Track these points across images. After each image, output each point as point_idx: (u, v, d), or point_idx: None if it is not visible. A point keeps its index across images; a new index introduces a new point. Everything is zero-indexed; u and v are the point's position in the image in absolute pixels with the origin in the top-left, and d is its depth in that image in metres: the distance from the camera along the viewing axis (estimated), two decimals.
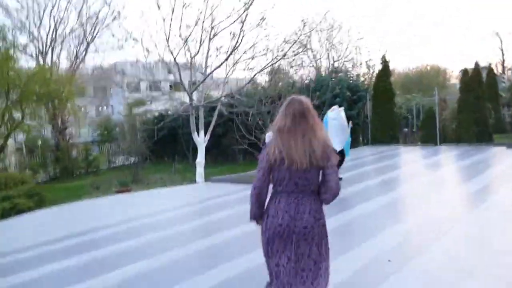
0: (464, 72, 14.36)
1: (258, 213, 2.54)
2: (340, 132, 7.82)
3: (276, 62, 11.45)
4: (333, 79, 16.34)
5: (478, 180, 7.93)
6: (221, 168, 18.08)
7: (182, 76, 13.01)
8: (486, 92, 14.49)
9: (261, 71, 11.23)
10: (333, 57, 24.65)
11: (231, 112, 15.48)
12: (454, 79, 37.24)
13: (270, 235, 2.43)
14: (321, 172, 2.42)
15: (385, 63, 16.17)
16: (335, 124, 7.83)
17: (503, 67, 49.59)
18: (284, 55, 11.33)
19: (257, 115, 16.52)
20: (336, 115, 8.00)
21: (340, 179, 6.88)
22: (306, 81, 17.35)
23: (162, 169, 18.85)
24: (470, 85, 14.08)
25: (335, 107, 8.53)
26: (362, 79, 17.26)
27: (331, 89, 15.15)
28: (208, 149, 21.56)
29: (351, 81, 16.25)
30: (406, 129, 17.21)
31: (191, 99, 13.62)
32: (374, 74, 17.06)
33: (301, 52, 14.72)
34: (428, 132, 15.04)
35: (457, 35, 68.84)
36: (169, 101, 22.32)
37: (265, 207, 2.51)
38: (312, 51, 27.62)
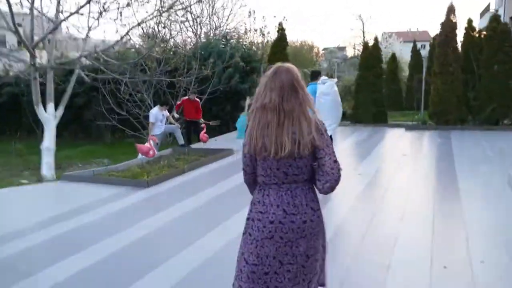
0: (364, 46, 13.25)
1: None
2: (334, 111, 6.41)
3: (159, 15, 8.50)
4: (223, 46, 13.86)
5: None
6: (82, 149, 14.38)
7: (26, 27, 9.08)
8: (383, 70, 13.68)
9: (139, 24, 8.15)
10: (214, 23, 22.20)
11: (95, 79, 11.98)
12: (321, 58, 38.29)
13: (258, 236, 1.97)
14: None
15: (281, 31, 14.27)
16: (327, 101, 6.27)
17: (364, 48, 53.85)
18: (171, 7, 8.43)
19: (131, 85, 13.26)
20: (329, 89, 6.36)
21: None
22: (190, 47, 14.53)
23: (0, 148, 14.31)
24: (370, 62, 13.06)
25: (325, 77, 6.69)
26: (255, 48, 15.07)
27: (226, 57, 12.70)
28: (65, 124, 17.37)
29: (244, 50, 14.02)
30: None
31: (32, 57, 9.74)
32: (269, 44, 15.02)
33: (184, 10, 11.94)
34: None
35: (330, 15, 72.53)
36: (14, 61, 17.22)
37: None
38: (192, 15, 24.67)
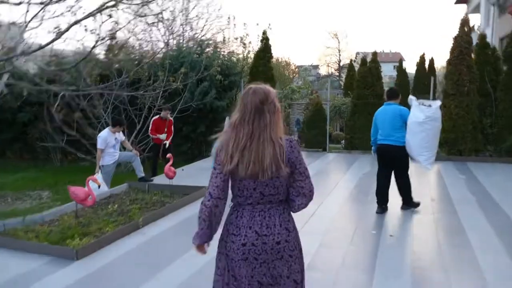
0: (362, 61, 11.48)
1: (209, 234, 1.99)
2: (436, 139, 5.51)
3: (112, 6, 6.31)
4: (197, 56, 11.76)
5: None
6: (20, 176, 11.73)
7: None
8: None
9: (84, 18, 5.91)
10: (188, 33, 20.17)
11: (41, 92, 9.60)
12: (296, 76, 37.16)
13: (234, 257, 1.93)
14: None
15: (265, 41, 12.33)
16: (434, 128, 5.33)
17: (339, 66, 53.40)
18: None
19: (82, 99, 10.89)
20: (438, 113, 5.34)
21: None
22: (159, 55, 12.34)
23: None
24: (369, 80, 11.27)
25: (412, 97, 5.55)
26: (234, 59, 13.04)
27: (201, 69, 10.57)
28: (9, 142, 14.77)
29: (222, 61, 11.98)
30: (297, 127, 14.01)
31: None
32: (251, 55, 13.03)
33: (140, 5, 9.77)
34: (315, 134, 11.86)
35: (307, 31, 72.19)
36: None
37: (219, 224, 1.99)
38: (163, 24, 22.52)
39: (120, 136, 7.45)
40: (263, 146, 1.86)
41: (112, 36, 6.11)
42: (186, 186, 6.80)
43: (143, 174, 7.71)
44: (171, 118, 8.86)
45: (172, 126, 8.83)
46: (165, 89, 9.76)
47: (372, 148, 5.91)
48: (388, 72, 34.79)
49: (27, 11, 5.63)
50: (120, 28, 8.30)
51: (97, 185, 5.42)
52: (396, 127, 5.38)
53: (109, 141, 7.12)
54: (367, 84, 11.24)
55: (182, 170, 8.92)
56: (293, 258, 1.96)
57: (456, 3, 27.72)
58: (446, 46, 64.20)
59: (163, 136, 8.51)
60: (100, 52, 10.25)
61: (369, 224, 5.24)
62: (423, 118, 5.13)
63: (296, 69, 43.10)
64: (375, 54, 11.65)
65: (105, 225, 5.13)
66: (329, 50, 59.82)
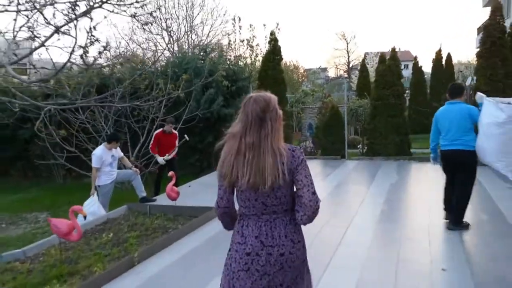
0: (381, 59, 10.57)
1: (231, 225, 2.04)
2: None
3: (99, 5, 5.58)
4: (202, 61, 10.98)
5: None
6: (23, 195, 11.05)
7: None
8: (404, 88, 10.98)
9: (66, 24, 5.16)
10: (193, 41, 19.55)
11: (38, 108, 8.92)
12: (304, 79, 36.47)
13: (234, 268, 1.90)
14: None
15: (274, 42, 11.53)
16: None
17: (348, 67, 52.42)
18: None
19: (80, 113, 10.22)
20: None
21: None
22: (162, 63, 11.62)
23: None
24: (389, 79, 10.36)
25: (482, 95, 4.61)
26: (242, 63, 12.24)
27: (204, 74, 9.76)
28: (12, 160, 14.19)
29: (228, 66, 11.19)
30: (309, 132, 13.17)
31: None
32: (259, 59, 12.23)
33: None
34: (332, 140, 10.96)
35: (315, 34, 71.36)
36: None
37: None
38: (168, 32, 21.98)
39: (118, 152, 6.68)
40: (264, 157, 1.82)
41: (106, 46, 5.33)
42: (192, 207, 5.97)
43: (144, 194, 6.92)
44: (175, 132, 8.03)
45: (177, 141, 8.00)
46: (168, 98, 8.97)
47: (432, 155, 5.15)
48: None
49: (15, 19, 4.91)
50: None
51: (85, 215, 4.57)
52: (465, 129, 4.62)
53: (105, 159, 6.35)
54: (387, 84, 10.33)
55: (189, 186, 8.12)
56: (292, 269, 1.89)
57: None
58: (460, 42, 62.86)
59: (160, 160, 7.70)
60: (97, 61, 9.67)
61: (411, 251, 4.33)
62: (504, 118, 4.21)
63: (305, 73, 42.32)
64: (394, 51, 10.75)
65: (96, 261, 4.33)
66: (338, 52, 59.16)
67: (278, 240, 1.87)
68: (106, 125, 10.28)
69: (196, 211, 5.78)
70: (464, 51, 70.18)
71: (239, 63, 12.15)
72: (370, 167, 9.45)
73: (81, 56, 4.82)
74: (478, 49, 9.21)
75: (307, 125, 24.00)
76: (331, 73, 56.69)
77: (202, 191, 7.63)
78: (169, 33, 21.07)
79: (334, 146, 10.88)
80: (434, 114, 5.01)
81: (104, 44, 5.36)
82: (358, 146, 13.48)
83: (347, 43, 53.93)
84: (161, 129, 7.88)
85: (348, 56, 54.09)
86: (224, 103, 11.14)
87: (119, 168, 6.87)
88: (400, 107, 10.34)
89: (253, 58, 12.19)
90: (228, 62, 11.56)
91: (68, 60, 4.52)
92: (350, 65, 53.21)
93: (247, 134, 1.84)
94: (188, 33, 21.20)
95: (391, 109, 10.23)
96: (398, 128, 10.18)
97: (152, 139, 7.88)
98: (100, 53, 5.22)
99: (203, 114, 10.36)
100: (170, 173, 6.33)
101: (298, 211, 1.88)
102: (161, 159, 7.71)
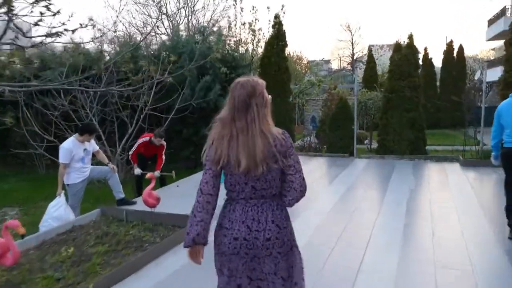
0: (396, 47, 9.51)
1: (202, 233, 1.84)
2: None
3: None
4: (198, 44, 9.89)
5: None
6: None
7: None
8: (422, 79, 9.92)
9: None
10: (194, 26, 18.43)
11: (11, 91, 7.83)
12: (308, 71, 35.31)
13: (223, 253, 1.90)
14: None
15: (278, 26, 10.45)
16: None
17: (353, 59, 51.19)
18: None
19: (57, 98, 9.20)
20: None
21: None
22: (154, 46, 10.55)
23: None
24: (405, 69, 9.30)
25: None
26: (243, 49, 11.17)
27: (196, 56, 8.69)
28: None
29: (227, 51, 10.13)
30: (312, 125, 12.19)
31: None
32: (262, 44, 11.14)
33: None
34: (340, 135, 9.94)
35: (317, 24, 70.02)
36: None
37: (209, 225, 1.88)
38: (168, 17, 20.84)
39: (92, 146, 5.67)
40: (253, 140, 1.80)
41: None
42: (176, 215, 4.95)
43: (122, 195, 5.92)
44: (164, 143, 6.77)
45: (164, 151, 6.80)
46: (152, 83, 7.90)
47: (493, 153, 4.48)
48: None
49: None
50: None
51: (21, 233, 3.47)
52: None
53: (76, 153, 5.34)
54: (403, 74, 9.28)
55: (177, 186, 7.12)
56: (282, 255, 1.88)
57: None
58: (468, 35, 61.40)
59: (137, 171, 6.63)
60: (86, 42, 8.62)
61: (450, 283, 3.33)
62: None
63: (308, 64, 41.13)
64: (411, 38, 9.66)
65: None
66: (342, 43, 57.93)
67: (265, 225, 1.85)
68: (91, 113, 9.25)
69: (180, 220, 4.77)
70: (471, 44, 68.73)
71: (240, 49, 11.06)
72: (383, 167, 8.44)
73: (36, 24, 3.77)
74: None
75: (310, 118, 23.00)
76: (334, 65, 55.48)
77: (191, 193, 6.60)
78: (167, 16, 19.92)
79: (342, 142, 9.86)
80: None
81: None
82: (365, 142, 12.47)
83: (351, 35, 52.71)
84: (147, 138, 6.67)
85: (353, 48, 52.93)
86: (222, 92, 10.09)
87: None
88: (416, 100, 9.29)
89: (255, 44, 11.09)
90: (227, 47, 10.48)
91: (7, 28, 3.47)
92: (355, 57, 52.02)
93: (235, 118, 1.82)
94: (189, 17, 20.06)
95: (407, 102, 9.19)
96: (413, 123, 9.15)
97: (135, 146, 6.76)
98: (76, 30, 4.20)
99: (197, 104, 9.32)
100: (149, 175, 5.31)
101: (286, 195, 1.90)
102: (138, 171, 6.64)
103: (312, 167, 8.54)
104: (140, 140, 6.71)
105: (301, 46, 64.83)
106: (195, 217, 1.84)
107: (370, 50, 22.95)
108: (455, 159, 8.75)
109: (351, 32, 52.85)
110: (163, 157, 6.78)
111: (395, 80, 9.34)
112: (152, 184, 5.08)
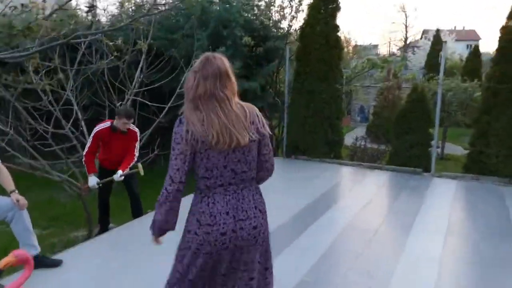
0: (504, 29, 6.20)
1: (171, 221, 1.76)
2: None
3: None
4: (213, 3, 7.07)
5: None
6: None
7: None
8: None
9: None
10: None
11: None
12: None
13: (212, 250, 1.73)
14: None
15: None
16: None
17: (406, 43, 46.44)
18: None
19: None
20: None
21: None
22: (162, 7, 7.85)
23: None
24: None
25: None
26: (275, 17, 8.19)
27: (214, 24, 5.89)
28: None
29: (254, 16, 7.28)
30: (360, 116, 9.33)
31: None
32: (303, 8, 8.11)
33: None
34: (411, 141, 6.85)
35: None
36: None
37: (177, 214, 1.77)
38: None
39: None
40: (232, 113, 1.70)
41: None
42: None
43: (36, 251, 3.30)
44: (134, 129, 4.31)
45: (137, 143, 4.33)
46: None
47: None
48: (461, 51, 27.98)
49: None
50: None
51: None
52: None
53: None
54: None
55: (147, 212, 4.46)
56: (265, 242, 1.85)
57: None
58: None
59: (92, 182, 4.17)
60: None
61: None
62: None
63: (356, 48, 37.34)
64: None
65: None
66: (394, 26, 53.37)
67: (249, 212, 1.77)
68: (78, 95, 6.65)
69: None
70: None
71: (271, 15, 8.11)
72: (486, 199, 5.35)
73: None
74: None
75: (357, 108, 19.72)
76: (383, 50, 51.06)
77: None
78: None
79: (412, 151, 6.79)
80: None
81: None
82: (437, 149, 9.24)
83: (406, 17, 47.99)
84: (107, 124, 4.21)
85: (406, 32, 48.29)
86: (245, 72, 7.26)
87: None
88: None
89: (293, 9, 8.08)
90: (255, 8, 7.57)
91: None
92: (408, 42, 47.32)
93: (220, 90, 1.70)
94: None
95: None
96: None
97: (90, 139, 4.23)
98: None
99: None
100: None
101: (257, 175, 1.84)
102: (93, 180, 4.15)
103: (369, 190, 5.59)
104: (97, 128, 4.21)
105: (348, 27, 59.90)
106: (164, 205, 1.71)
107: (438, 32, 19.16)
108: None
109: (405, 14, 48.23)
110: (136, 153, 4.33)
111: (503, 64, 6.11)
112: (26, 275, 2.41)
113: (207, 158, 1.69)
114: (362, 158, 7.69)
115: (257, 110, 1.81)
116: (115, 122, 4.14)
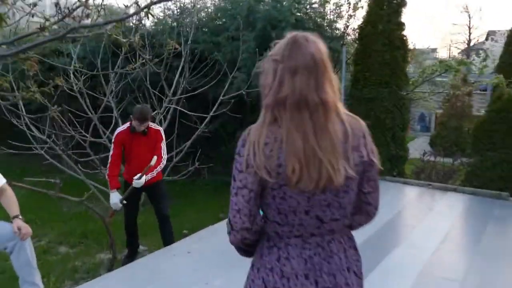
0: None
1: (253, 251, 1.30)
2: None
3: None
4: (262, 2, 6.43)
5: None
6: None
7: None
8: None
9: None
10: None
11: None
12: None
13: None
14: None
15: None
16: None
17: (468, 46, 43.24)
18: None
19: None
20: None
21: None
22: (208, 9, 7.36)
23: None
24: None
25: None
26: (331, 16, 7.38)
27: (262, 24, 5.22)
28: None
29: (306, 13, 6.55)
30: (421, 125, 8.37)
31: None
32: (363, 5, 7.24)
33: None
34: (494, 159, 5.75)
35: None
36: None
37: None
38: None
39: None
40: (326, 126, 1.12)
41: None
42: None
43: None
44: (157, 127, 3.82)
45: (163, 144, 3.78)
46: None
47: None
48: None
49: None
50: None
51: None
52: None
53: None
54: None
55: (188, 253, 3.83)
56: None
57: None
58: None
59: (114, 200, 3.66)
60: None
61: None
62: None
63: (414, 51, 35.33)
64: None
65: None
66: (457, 28, 50.36)
67: (339, 278, 1.19)
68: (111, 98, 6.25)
69: None
70: None
71: (327, 13, 7.33)
72: None
73: None
74: None
75: (417, 116, 18.23)
76: (443, 54, 48.15)
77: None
78: None
79: (494, 170, 5.68)
80: None
81: None
82: None
83: (469, 17, 44.94)
84: (124, 127, 3.75)
85: (470, 33, 45.20)
86: None
87: None
88: None
89: (351, 6, 7.24)
90: (308, 6, 6.83)
91: None
92: (471, 44, 44.22)
93: (319, 89, 1.12)
94: None
95: None
96: None
97: (112, 149, 3.74)
98: None
99: (249, 94, 5.72)
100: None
101: (355, 219, 1.28)
102: (116, 199, 3.64)
103: (444, 220, 4.61)
104: (116, 132, 3.78)
105: (407, 29, 57.46)
106: (240, 250, 1.29)
107: (511, 31, 17.29)
108: None
109: (469, 15, 45.25)
110: (164, 154, 3.79)
111: None
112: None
113: (282, 198, 1.16)
114: (430, 176, 6.65)
115: (364, 126, 1.24)
116: (133, 122, 3.64)
